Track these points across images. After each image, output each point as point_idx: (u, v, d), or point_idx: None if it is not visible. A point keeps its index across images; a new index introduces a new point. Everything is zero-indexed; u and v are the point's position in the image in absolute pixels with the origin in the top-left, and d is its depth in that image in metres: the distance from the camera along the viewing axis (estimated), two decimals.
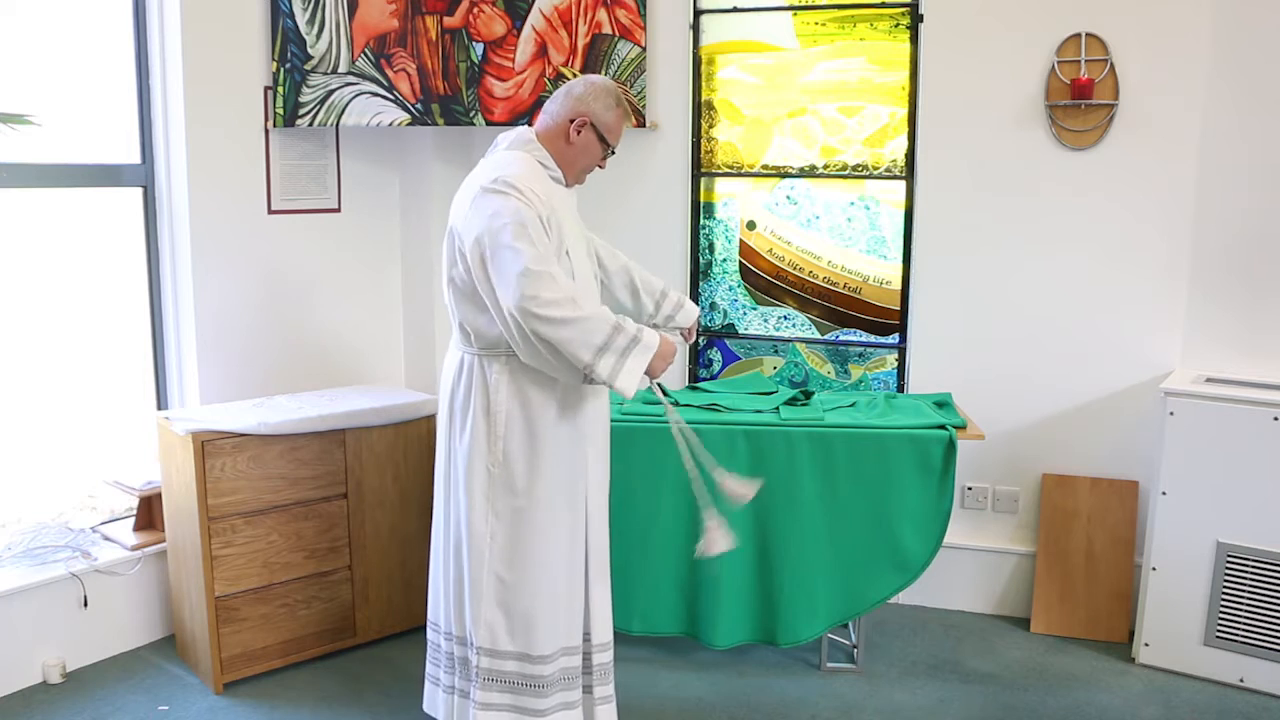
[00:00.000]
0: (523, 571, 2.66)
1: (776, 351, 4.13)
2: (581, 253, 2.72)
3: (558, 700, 2.73)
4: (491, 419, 2.63)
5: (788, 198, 4.03)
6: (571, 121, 2.67)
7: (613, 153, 2.77)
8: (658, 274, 4.08)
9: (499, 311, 2.50)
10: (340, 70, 3.85)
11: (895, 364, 4.00)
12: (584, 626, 2.77)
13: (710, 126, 4.06)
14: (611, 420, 3.23)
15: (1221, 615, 3.35)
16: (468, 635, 2.73)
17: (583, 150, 2.70)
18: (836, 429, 3.30)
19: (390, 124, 3.91)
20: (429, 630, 2.91)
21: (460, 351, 2.72)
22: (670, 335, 2.82)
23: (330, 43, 3.83)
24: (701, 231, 4.12)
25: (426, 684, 2.94)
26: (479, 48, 3.92)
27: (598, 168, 2.79)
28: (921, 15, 3.76)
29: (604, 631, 2.80)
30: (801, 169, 3.99)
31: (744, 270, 4.11)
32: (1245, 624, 3.32)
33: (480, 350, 2.65)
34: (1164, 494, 3.40)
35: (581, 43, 3.92)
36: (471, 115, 3.94)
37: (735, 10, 3.96)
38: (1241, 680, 3.33)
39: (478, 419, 2.64)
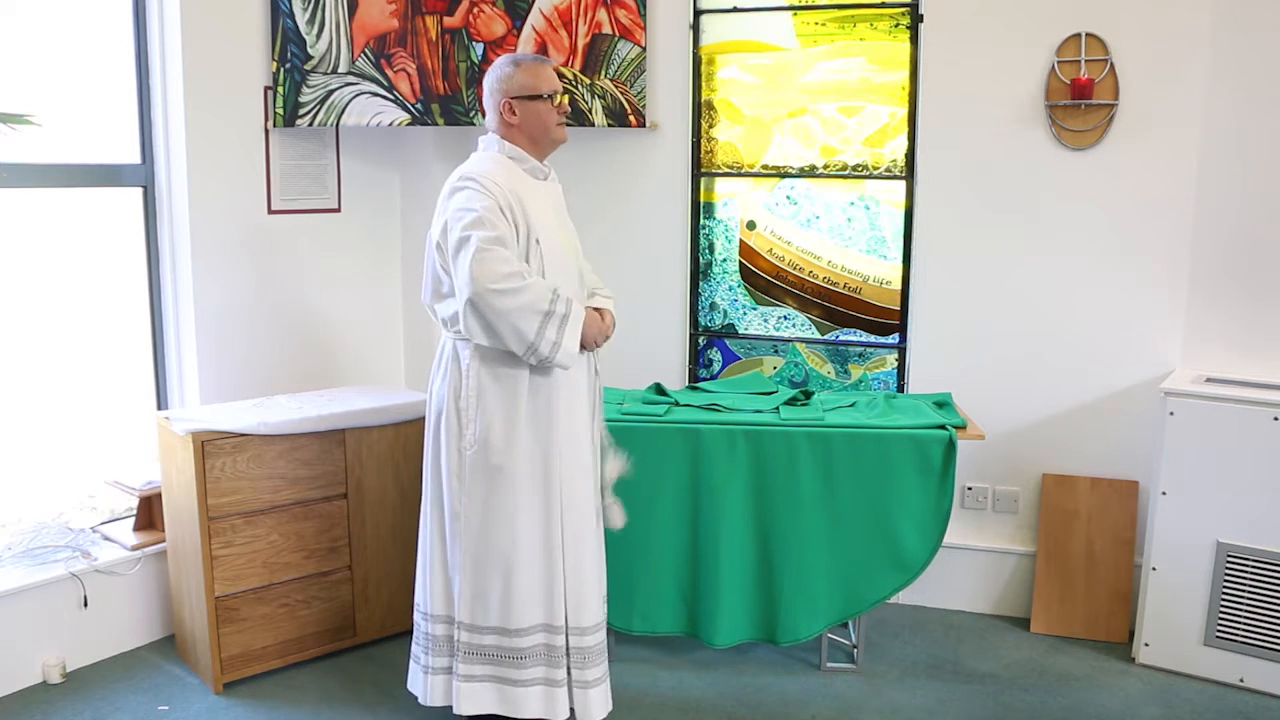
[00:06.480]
0: (498, 549, 2.76)
1: (776, 351, 4.13)
2: (558, 244, 2.80)
3: (539, 674, 2.81)
4: (463, 402, 2.75)
5: (788, 198, 4.03)
6: (501, 112, 2.80)
7: (561, 96, 2.83)
8: (658, 274, 4.13)
9: (457, 295, 2.67)
10: (340, 70, 3.85)
11: (895, 364, 4.00)
12: (566, 608, 2.82)
13: (710, 126, 4.06)
14: (611, 420, 3.24)
15: (1221, 615, 3.35)
16: (454, 613, 2.83)
17: (527, 119, 2.80)
18: (836, 429, 3.30)
19: (390, 124, 3.91)
20: (415, 613, 2.99)
21: (442, 338, 2.86)
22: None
23: (330, 43, 3.83)
24: (701, 231, 4.12)
25: (410, 664, 3.00)
26: (479, 48, 3.91)
27: (566, 121, 2.87)
28: (921, 15, 3.76)
29: (589, 615, 2.84)
30: (801, 169, 3.99)
31: (744, 270, 4.11)
32: (1245, 624, 3.32)
33: (455, 335, 2.78)
34: (1164, 494, 3.40)
35: (581, 43, 3.92)
36: (471, 115, 3.94)
37: (735, 10, 3.96)
38: (1241, 680, 3.33)
39: (450, 402, 2.77)
